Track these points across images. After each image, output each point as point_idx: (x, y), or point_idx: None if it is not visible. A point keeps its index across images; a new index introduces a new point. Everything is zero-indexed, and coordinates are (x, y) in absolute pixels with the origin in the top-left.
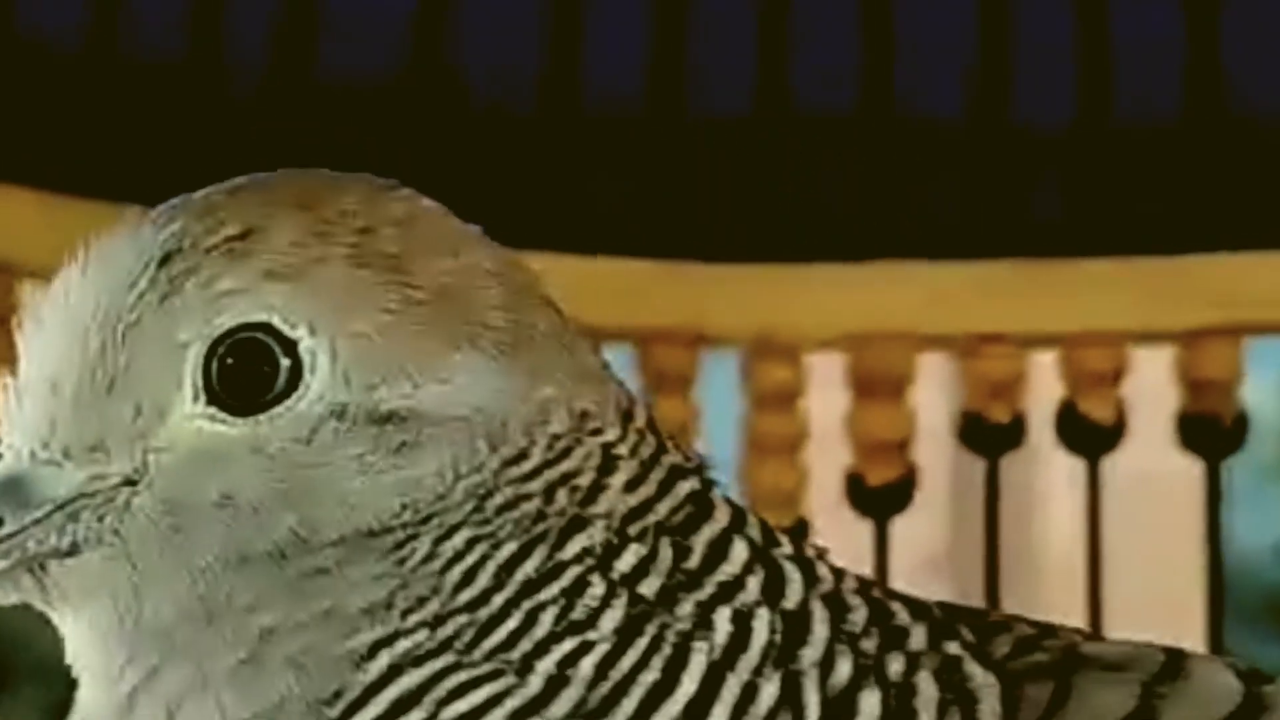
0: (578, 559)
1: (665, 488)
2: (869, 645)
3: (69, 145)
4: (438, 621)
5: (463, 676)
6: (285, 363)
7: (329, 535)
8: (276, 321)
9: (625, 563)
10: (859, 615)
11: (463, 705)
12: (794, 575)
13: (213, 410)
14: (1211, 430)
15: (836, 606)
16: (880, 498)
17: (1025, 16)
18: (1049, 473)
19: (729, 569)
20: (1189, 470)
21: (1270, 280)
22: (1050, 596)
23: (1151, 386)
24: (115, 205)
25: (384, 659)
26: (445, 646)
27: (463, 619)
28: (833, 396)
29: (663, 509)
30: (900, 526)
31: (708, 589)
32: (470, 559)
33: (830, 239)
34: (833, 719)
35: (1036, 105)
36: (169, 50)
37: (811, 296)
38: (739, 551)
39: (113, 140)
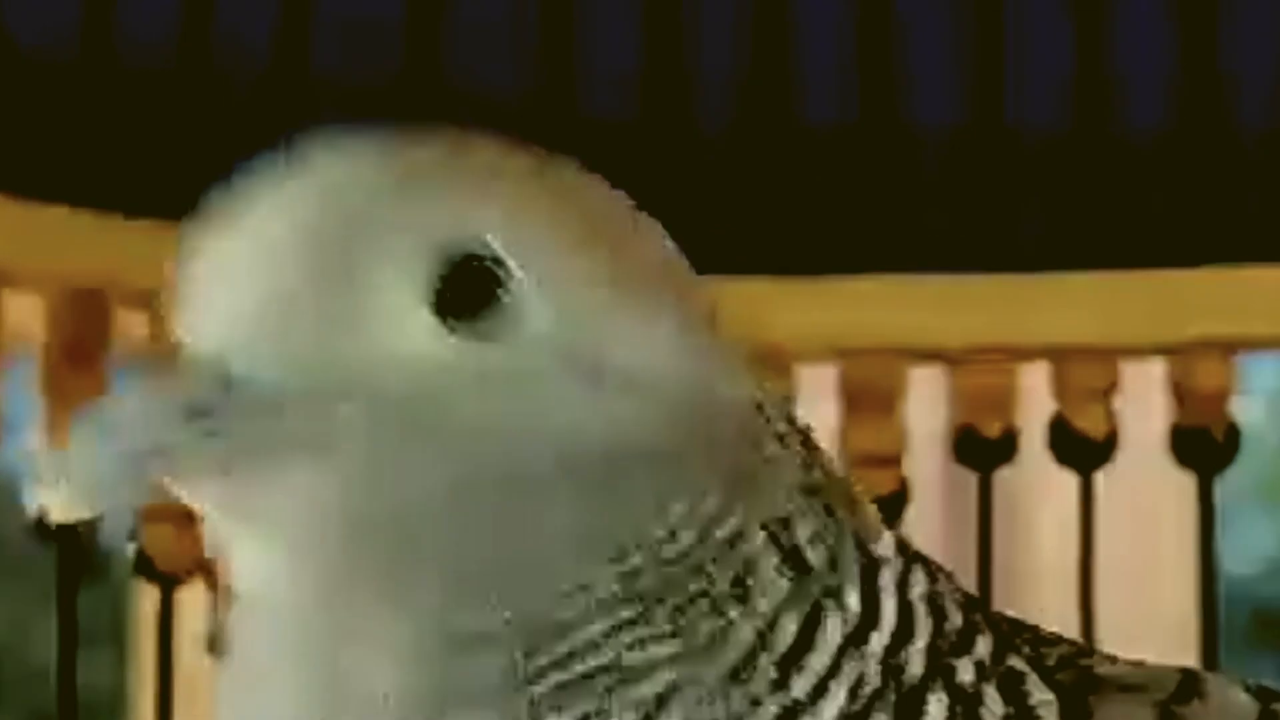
0: (764, 525)
1: (825, 471)
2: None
3: (54, 152)
4: (634, 573)
5: (643, 632)
6: (508, 292)
7: (544, 470)
8: (503, 253)
9: (801, 533)
10: (955, 620)
11: (639, 656)
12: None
13: (438, 328)
14: (1204, 444)
15: (936, 610)
16: None
17: (1018, 28)
18: (1041, 487)
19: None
20: (1181, 485)
21: (1263, 294)
22: (1043, 611)
23: (1143, 400)
24: (101, 214)
25: (582, 602)
26: (637, 599)
27: (665, 572)
28: (823, 409)
29: (833, 491)
30: None
31: (851, 571)
32: (677, 511)
33: (821, 251)
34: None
35: (1028, 117)
36: (161, 57)
37: (802, 308)
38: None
39: (103, 148)
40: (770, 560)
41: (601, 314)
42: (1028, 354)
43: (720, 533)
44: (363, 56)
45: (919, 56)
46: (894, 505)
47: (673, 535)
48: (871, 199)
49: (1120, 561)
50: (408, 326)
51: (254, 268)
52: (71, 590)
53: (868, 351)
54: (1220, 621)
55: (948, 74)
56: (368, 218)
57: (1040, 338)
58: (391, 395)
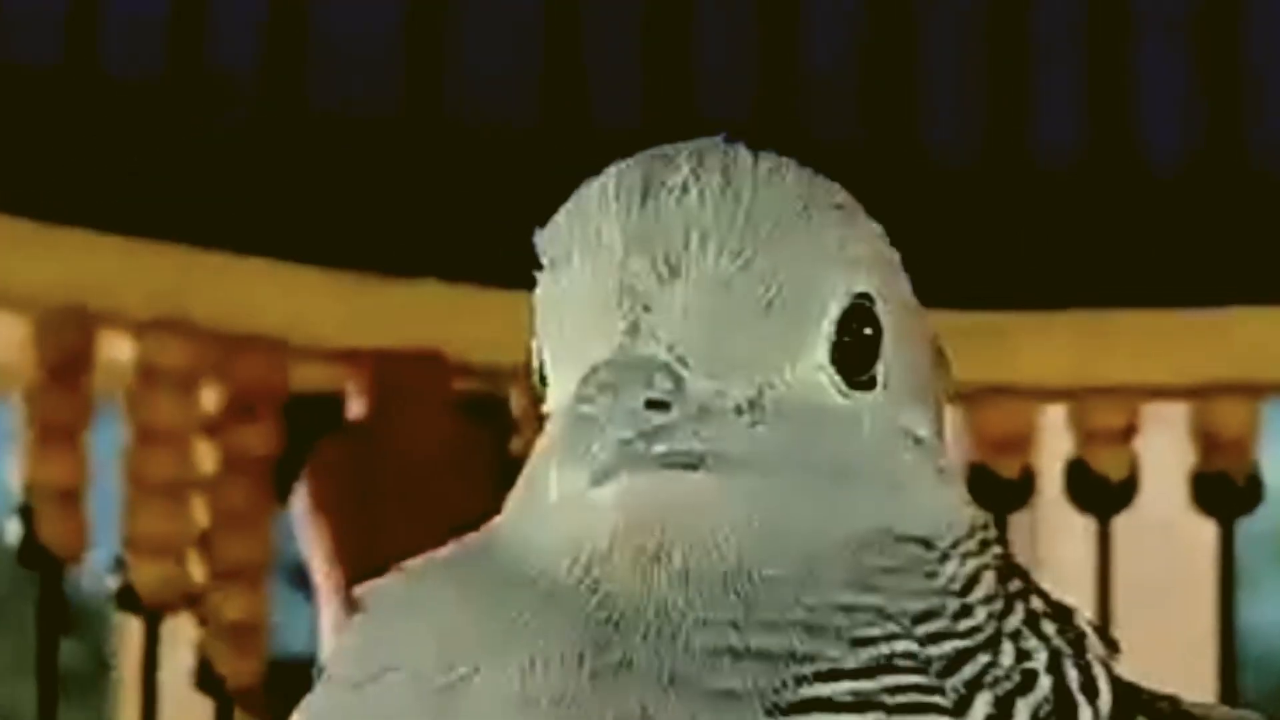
0: (1016, 599)
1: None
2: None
3: (41, 169)
4: (934, 638)
5: (920, 698)
6: (879, 353)
7: (893, 533)
8: (878, 308)
9: (1038, 607)
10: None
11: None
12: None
13: (833, 371)
14: (1225, 490)
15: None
16: None
17: (1039, 60)
18: (1058, 530)
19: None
20: (1202, 530)
21: None
22: None
23: (1164, 443)
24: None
25: (875, 650)
26: (925, 664)
27: (954, 644)
28: None
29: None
30: None
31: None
32: (979, 591)
33: None
34: None
35: (1051, 150)
36: (149, 69)
37: None
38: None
39: (92, 165)
40: (1029, 639)
41: (914, 396)
42: (1047, 393)
43: (993, 609)
44: (358, 81)
45: (936, 91)
46: None
47: (966, 611)
48: (887, 229)
49: (1138, 609)
50: (812, 365)
51: (704, 279)
52: (53, 628)
53: None
54: (1239, 671)
55: (965, 109)
56: (797, 245)
57: (1059, 376)
58: (790, 430)
